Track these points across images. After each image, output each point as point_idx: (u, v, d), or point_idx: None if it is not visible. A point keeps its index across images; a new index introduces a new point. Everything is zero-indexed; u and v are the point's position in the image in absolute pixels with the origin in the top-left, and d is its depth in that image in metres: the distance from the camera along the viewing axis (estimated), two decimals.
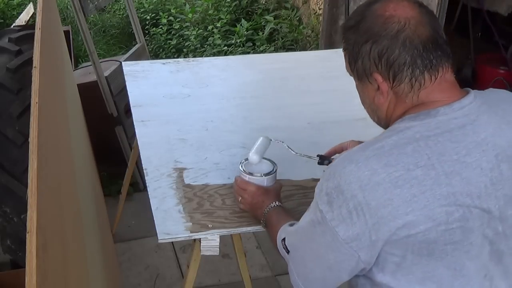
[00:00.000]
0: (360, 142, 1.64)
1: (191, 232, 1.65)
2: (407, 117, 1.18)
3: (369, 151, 1.15)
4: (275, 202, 1.56)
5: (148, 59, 3.56)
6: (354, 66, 1.22)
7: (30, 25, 3.75)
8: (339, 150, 1.72)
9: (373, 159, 1.13)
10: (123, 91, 2.91)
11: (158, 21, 5.75)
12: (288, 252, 1.31)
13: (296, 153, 1.78)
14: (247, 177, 1.67)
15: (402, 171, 1.10)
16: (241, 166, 1.70)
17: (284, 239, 1.33)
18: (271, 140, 1.79)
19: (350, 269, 1.20)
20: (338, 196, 1.13)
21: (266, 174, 1.67)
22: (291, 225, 1.36)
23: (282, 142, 1.79)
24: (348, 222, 1.13)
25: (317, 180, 1.24)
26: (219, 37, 5.30)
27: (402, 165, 1.11)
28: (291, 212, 1.57)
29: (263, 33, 5.19)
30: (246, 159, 1.72)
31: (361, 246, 1.14)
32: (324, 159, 1.74)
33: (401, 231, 1.11)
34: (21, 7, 5.70)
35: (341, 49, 1.28)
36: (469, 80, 3.69)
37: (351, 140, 1.72)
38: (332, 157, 1.74)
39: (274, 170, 1.69)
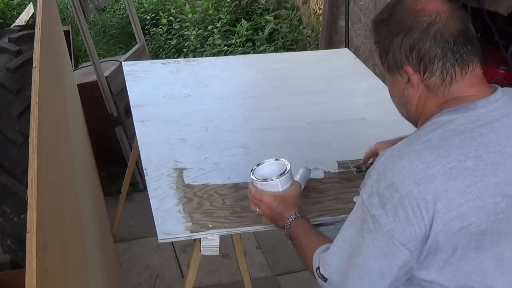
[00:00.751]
0: (387, 143, 1.69)
1: (191, 232, 1.65)
2: (445, 111, 1.19)
3: (418, 145, 1.14)
4: (295, 214, 1.48)
5: (148, 59, 3.57)
6: (385, 58, 1.23)
7: (30, 25, 3.75)
8: (371, 155, 1.76)
9: (424, 152, 1.12)
10: (123, 91, 2.91)
11: (158, 21, 5.75)
12: (325, 280, 1.27)
13: (335, 171, 1.84)
14: (259, 184, 1.56)
15: (454, 162, 1.11)
16: (252, 173, 1.60)
17: (318, 269, 1.29)
18: (310, 169, 1.79)
19: (404, 272, 1.17)
20: (392, 195, 1.11)
21: (279, 176, 1.56)
22: (325, 248, 1.31)
23: (318, 169, 1.85)
24: (404, 222, 1.11)
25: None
26: (219, 37, 5.30)
27: (454, 157, 1.11)
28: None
29: (263, 33, 5.18)
30: (258, 165, 1.63)
31: (416, 245, 1.13)
32: (361, 167, 1.79)
33: (454, 224, 1.11)
34: (21, 7, 5.70)
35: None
36: None
37: (376, 142, 1.75)
38: (368, 163, 1.77)
39: (287, 170, 1.58)
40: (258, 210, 1.55)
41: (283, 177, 1.55)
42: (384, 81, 1.36)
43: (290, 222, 1.47)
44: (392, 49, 1.20)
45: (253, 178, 1.58)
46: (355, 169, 1.84)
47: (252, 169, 1.61)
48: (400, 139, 1.72)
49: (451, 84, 1.18)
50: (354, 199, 1.56)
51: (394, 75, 1.24)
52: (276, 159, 1.63)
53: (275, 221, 1.53)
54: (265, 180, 1.56)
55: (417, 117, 1.27)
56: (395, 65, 1.21)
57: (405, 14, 1.19)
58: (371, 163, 1.74)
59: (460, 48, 1.16)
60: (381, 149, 1.68)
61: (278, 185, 1.54)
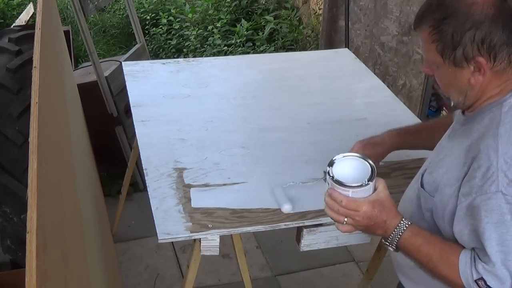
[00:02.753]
0: (368, 141, 1.74)
1: (191, 232, 1.65)
2: None
3: None
4: (403, 221, 1.31)
5: (148, 59, 3.56)
6: (452, 54, 1.26)
7: (30, 25, 3.75)
8: None
9: None
10: (123, 91, 2.91)
11: (158, 21, 5.75)
12: None
13: (314, 181, 1.78)
14: (350, 192, 1.27)
15: None
16: (333, 178, 1.28)
17: (481, 280, 1.23)
18: (283, 186, 1.78)
19: None
20: None
21: (370, 179, 1.28)
22: (470, 257, 1.26)
23: (294, 182, 1.80)
24: None
25: None
26: (219, 37, 5.29)
27: None
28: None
29: (263, 33, 5.18)
30: (331, 163, 1.31)
31: None
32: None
33: None
34: (21, 7, 5.70)
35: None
36: None
37: (356, 142, 1.76)
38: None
39: (374, 168, 1.30)
40: (346, 220, 1.30)
41: (374, 178, 1.28)
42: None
43: (401, 232, 1.30)
44: (463, 44, 1.24)
45: (340, 185, 1.27)
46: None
47: (329, 175, 1.29)
48: (376, 138, 1.78)
49: None
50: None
51: (461, 67, 1.27)
52: (343, 156, 1.34)
53: (372, 230, 1.32)
54: (359, 186, 1.27)
55: (474, 101, 1.31)
56: (464, 59, 1.25)
57: (469, 9, 1.23)
58: None
59: None
60: (363, 149, 1.71)
61: (370, 189, 1.28)
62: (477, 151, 1.24)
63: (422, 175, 1.43)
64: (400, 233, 1.30)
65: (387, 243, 1.33)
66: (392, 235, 1.31)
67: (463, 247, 1.27)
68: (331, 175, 1.28)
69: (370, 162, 1.31)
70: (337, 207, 1.28)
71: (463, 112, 1.38)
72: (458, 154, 1.31)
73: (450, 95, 1.36)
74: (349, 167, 1.31)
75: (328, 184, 1.30)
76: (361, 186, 1.26)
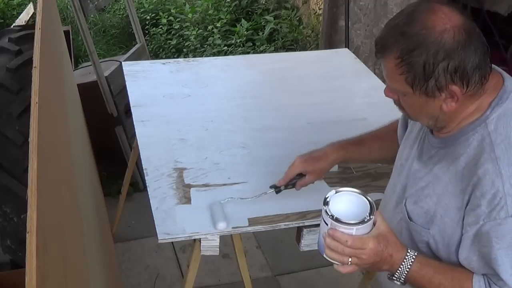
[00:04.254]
0: (309, 156, 1.66)
1: (191, 232, 1.65)
2: (493, 105, 1.24)
3: None
4: (409, 252, 1.26)
5: (148, 59, 3.56)
6: (424, 85, 1.20)
7: (30, 25, 3.75)
8: (293, 173, 1.67)
9: None
10: (123, 91, 2.91)
11: (158, 21, 5.75)
12: None
13: (253, 197, 1.71)
14: (354, 230, 1.20)
15: None
16: (333, 216, 1.21)
17: None
18: (221, 202, 1.73)
19: None
20: None
21: (371, 213, 1.22)
22: (483, 283, 1.23)
23: (232, 198, 1.74)
24: None
25: None
26: (219, 37, 5.29)
27: None
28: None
29: (263, 33, 5.18)
30: (326, 201, 1.24)
31: None
32: (280, 188, 1.67)
33: None
34: (21, 7, 5.70)
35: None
36: None
37: (297, 157, 1.68)
38: (292, 181, 1.67)
39: (371, 201, 1.25)
40: (351, 260, 1.22)
41: (374, 211, 1.22)
42: (384, 81, 1.34)
43: (411, 265, 1.25)
44: (435, 75, 1.18)
45: (342, 224, 1.19)
46: (273, 190, 1.69)
47: (328, 213, 1.21)
48: (316, 152, 1.68)
49: (485, 84, 1.22)
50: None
51: (432, 97, 1.22)
52: (336, 192, 1.27)
53: (378, 266, 1.26)
54: (361, 222, 1.20)
55: (447, 124, 1.28)
56: (437, 89, 1.20)
57: (440, 38, 1.16)
58: (294, 183, 1.68)
59: (485, 50, 1.20)
60: (303, 165, 1.65)
61: (371, 224, 1.22)
62: (476, 178, 1.19)
63: (405, 206, 1.36)
64: (409, 266, 1.25)
65: (394, 278, 1.27)
66: (400, 269, 1.25)
67: (473, 272, 1.25)
68: (329, 213, 1.20)
69: (366, 195, 1.25)
70: (342, 247, 1.20)
71: (431, 132, 1.34)
72: (447, 181, 1.26)
73: (419, 120, 1.33)
74: (345, 202, 1.25)
75: (327, 224, 1.21)
76: (363, 222, 1.20)
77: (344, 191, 1.27)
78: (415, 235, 1.35)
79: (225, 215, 1.67)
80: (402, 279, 1.26)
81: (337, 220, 1.19)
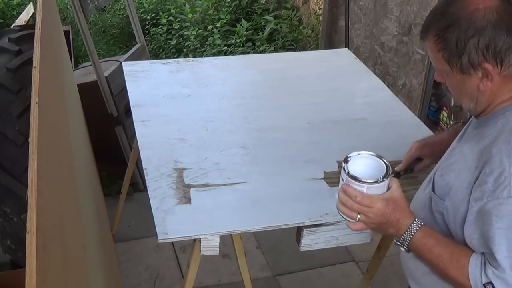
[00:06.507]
0: (424, 142, 1.75)
1: (191, 232, 1.65)
2: None
3: None
4: (415, 221, 1.30)
5: (148, 59, 3.56)
6: (458, 61, 1.26)
7: (30, 25, 3.75)
8: (411, 159, 1.77)
9: None
10: (123, 91, 2.91)
11: (158, 21, 5.75)
12: None
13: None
14: (365, 188, 1.26)
15: None
16: (349, 174, 1.28)
17: (490, 284, 1.22)
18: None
19: None
20: None
21: (386, 176, 1.28)
22: (480, 261, 1.25)
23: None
24: None
25: None
26: (219, 37, 5.30)
27: None
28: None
29: (263, 33, 5.18)
30: (346, 160, 1.32)
31: None
32: (400, 173, 1.75)
33: None
34: (21, 7, 5.70)
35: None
36: None
37: (414, 143, 1.77)
38: (410, 166, 1.76)
39: (389, 167, 1.31)
40: (359, 216, 1.29)
41: (389, 175, 1.28)
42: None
43: (415, 232, 1.30)
44: (467, 51, 1.23)
45: (355, 180, 1.27)
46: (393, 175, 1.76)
47: (344, 170, 1.29)
48: (434, 137, 1.79)
49: None
50: None
51: (468, 74, 1.27)
52: (359, 153, 1.34)
53: (385, 228, 1.32)
54: (374, 182, 1.27)
55: (486, 107, 1.31)
56: (471, 66, 1.25)
57: (471, 16, 1.22)
58: (412, 168, 1.77)
59: None
60: (421, 150, 1.74)
61: (385, 186, 1.29)
62: (489, 155, 1.23)
63: (434, 178, 1.41)
64: (413, 233, 1.30)
65: (398, 243, 1.33)
66: (404, 234, 1.30)
67: (474, 251, 1.27)
68: (346, 170, 1.28)
69: (385, 160, 1.31)
70: (351, 202, 1.27)
71: (475, 116, 1.38)
72: (469, 158, 1.30)
73: (462, 102, 1.36)
74: (364, 165, 1.31)
75: (343, 179, 1.29)
76: (376, 182, 1.26)
77: (365, 154, 1.34)
78: (433, 205, 1.39)
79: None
80: (406, 244, 1.32)
81: (352, 176, 1.27)
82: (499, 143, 1.23)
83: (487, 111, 1.32)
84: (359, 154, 1.33)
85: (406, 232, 1.30)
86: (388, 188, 1.29)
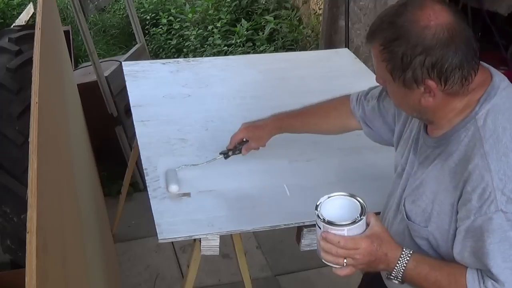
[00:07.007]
0: (253, 124, 1.84)
1: (191, 232, 1.65)
2: (481, 101, 1.25)
3: (509, 136, 1.21)
4: (404, 251, 1.27)
5: (148, 59, 3.56)
6: (401, 75, 1.24)
7: (30, 25, 3.75)
8: (237, 138, 1.85)
9: None
10: (123, 91, 2.91)
11: (158, 21, 5.75)
12: None
13: (204, 162, 1.87)
14: (345, 230, 1.22)
15: None
16: (324, 219, 1.23)
17: None
18: (175, 169, 1.85)
19: None
20: None
21: (362, 213, 1.24)
22: (477, 277, 1.23)
23: (185, 165, 1.88)
24: None
25: None
26: (219, 37, 5.29)
27: None
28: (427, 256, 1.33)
29: (263, 33, 5.18)
30: (318, 205, 1.27)
31: None
32: (228, 153, 1.86)
33: None
34: (21, 7, 5.70)
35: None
36: None
37: (242, 124, 1.87)
38: (239, 147, 1.85)
39: (363, 202, 1.27)
40: (346, 261, 1.25)
41: (365, 212, 1.24)
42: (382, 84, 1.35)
43: (406, 262, 1.26)
44: (412, 67, 1.21)
45: (334, 226, 1.22)
46: (222, 156, 1.88)
47: (319, 217, 1.24)
48: (260, 121, 1.87)
49: (468, 85, 1.23)
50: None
51: (410, 88, 1.25)
52: (328, 196, 1.29)
53: (374, 266, 1.28)
54: (352, 222, 1.22)
55: (432, 118, 1.31)
56: (414, 81, 1.23)
57: (420, 33, 1.19)
58: (240, 148, 1.86)
59: (472, 55, 1.21)
60: (246, 131, 1.83)
61: (364, 224, 1.24)
62: (466, 173, 1.21)
63: (404, 206, 1.38)
64: (405, 264, 1.26)
65: (391, 277, 1.29)
66: (396, 267, 1.27)
67: (467, 267, 1.25)
68: (321, 217, 1.23)
69: (358, 197, 1.27)
70: (335, 249, 1.23)
71: (426, 132, 1.36)
72: (441, 179, 1.28)
73: (402, 109, 1.38)
74: (337, 207, 1.27)
75: (320, 228, 1.24)
76: (354, 222, 1.22)
77: (335, 195, 1.29)
78: (414, 234, 1.36)
79: (177, 180, 1.78)
80: (399, 277, 1.28)
81: (328, 222, 1.22)
82: (474, 158, 1.20)
83: (439, 124, 1.30)
84: (328, 197, 1.28)
85: (397, 265, 1.27)
86: (367, 225, 1.25)
